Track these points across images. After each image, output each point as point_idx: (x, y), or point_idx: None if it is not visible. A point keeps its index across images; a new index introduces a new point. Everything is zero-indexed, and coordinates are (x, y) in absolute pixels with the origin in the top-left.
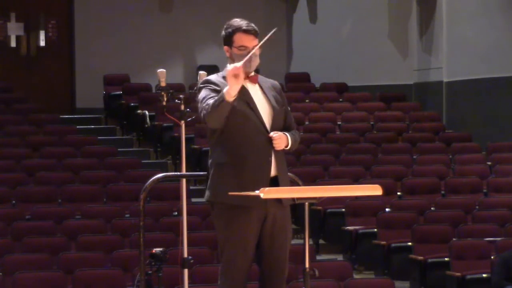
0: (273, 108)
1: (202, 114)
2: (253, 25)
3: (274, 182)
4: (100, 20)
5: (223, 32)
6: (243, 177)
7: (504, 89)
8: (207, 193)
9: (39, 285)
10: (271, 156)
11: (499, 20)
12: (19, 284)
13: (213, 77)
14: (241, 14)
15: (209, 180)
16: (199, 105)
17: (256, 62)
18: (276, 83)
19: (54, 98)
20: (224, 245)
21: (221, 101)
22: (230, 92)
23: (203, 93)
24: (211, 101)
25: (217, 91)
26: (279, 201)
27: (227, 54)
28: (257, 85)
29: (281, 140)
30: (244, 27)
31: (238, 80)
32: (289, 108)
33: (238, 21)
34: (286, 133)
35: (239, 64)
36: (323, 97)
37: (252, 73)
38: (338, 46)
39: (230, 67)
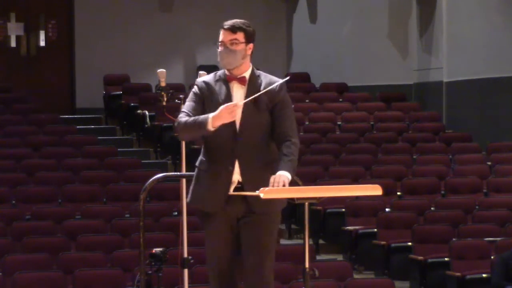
0: (243, 112)
1: (176, 122)
2: (238, 21)
3: (241, 189)
4: (100, 20)
5: (251, 29)
6: (204, 182)
7: (504, 89)
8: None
9: (39, 285)
10: (232, 165)
11: (499, 20)
12: (19, 284)
13: (204, 78)
14: (241, 14)
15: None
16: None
17: (231, 59)
18: (273, 80)
19: (54, 98)
20: (206, 250)
21: (202, 127)
22: (216, 123)
23: (188, 96)
24: (188, 119)
25: (198, 97)
26: (247, 208)
27: (250, 52)
28: (244, 88)
29: (278, 184)
30: (224, 25)
31: (229, 116)
32: (287, 108)
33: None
34: (280, 173)
35: (241, 103)
36: (323, 97)
37: (243, 75)
38: (338, 46)
39: (229, 104)
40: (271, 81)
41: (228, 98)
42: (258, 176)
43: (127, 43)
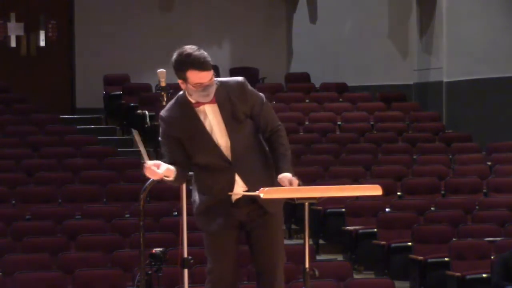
0: (228, 132)
1: None
2: (205, 55)
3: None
4: (100, 20)
5: (173, 63)
6: (210, 207)
7: (504, 89)
8: None
9: (39, 285)
10: (233, 183)
11: (499, 20)
12: (19, 284)
13: (166, 111)
14: (241, 14)
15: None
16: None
17: (212, 91)
18: (236, 86)
19: (54, 98)
20: (207, 257)
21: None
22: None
23: (160, 134)
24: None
25: (167, 132)
26: (259, 208)
27: (182, 87)
28: (214, 104)
29: (285, 184)
30: (197, 65)
31: (155, 176)
32: (263, 105)
33: (190, 55)
34: (281, 174)
35: (158, 174)
36: (323, 97)
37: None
38: (338, 46)
39: (151, 164)
40: (232, 86)
41: (201, 127)
42: (261, 178)
43: (127, 43)
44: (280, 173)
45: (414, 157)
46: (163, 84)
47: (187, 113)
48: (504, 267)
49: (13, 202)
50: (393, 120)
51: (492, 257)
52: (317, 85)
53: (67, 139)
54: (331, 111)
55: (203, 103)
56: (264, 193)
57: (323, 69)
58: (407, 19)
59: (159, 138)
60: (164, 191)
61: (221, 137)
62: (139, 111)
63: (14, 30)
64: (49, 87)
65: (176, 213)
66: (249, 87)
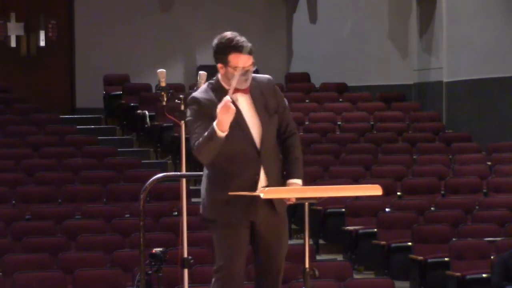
0: (262, 122)
1: (192, 145)
2: (245, 39)
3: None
4: (100, 20)
5: (215, 47)
6: (228, 193)
7: (504, 89)
8: (201, 207)
9: (39, 285)
10: (258, 174)
11: (499, 20)
12: (19, 284)
13: (200, 93)
14: (241, 14)
15: (202, 192)
16: (189, 129)
17: (250, 77)
18: (267, 82)
19: (54, 98)
20: (217, 254)
21: (213, 138)
22: (222, 126)
23: (189, 116)
24: (199, 140)
25: (203, 113)
26: (271, 208)
27: (221, 72)
28: (248, 95)
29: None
30: (239, 48)
31: (230, 113)
32: (286, 105)
33: (232, 39)
34: (293, 180)
35: (229, 98)
36: (323, 97)
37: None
38: (338, 46)
39: (222, 105)
40: (263, 81)
41: (238, 114)
42: (278, 176)
43: (127, 43)
44: (292, 177)
45: (414, 157)
46: (163, 84)
47: (222, 97)
48: (504, 267)
49: (13, 202)
50: (393, 120)
51: (492, 257)
52: (317, 85)
53: (67, 139)
54: (331, 111)
55: (237, 91)
56: (265, 193)
57: (323, 69)
58: (407, 19)
59: (189, 119)
60: (164, 191)
61: (252, 126)
62: (139, 111)
63: (14, 30)
64: (49, 87)
65: (176, 213)
66: (276, 86)
